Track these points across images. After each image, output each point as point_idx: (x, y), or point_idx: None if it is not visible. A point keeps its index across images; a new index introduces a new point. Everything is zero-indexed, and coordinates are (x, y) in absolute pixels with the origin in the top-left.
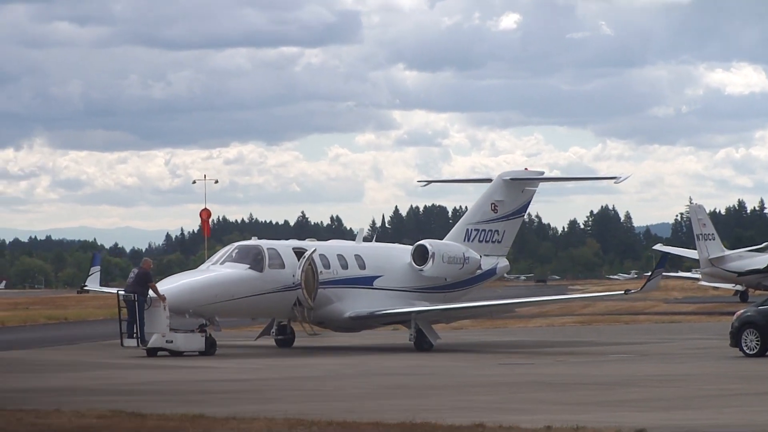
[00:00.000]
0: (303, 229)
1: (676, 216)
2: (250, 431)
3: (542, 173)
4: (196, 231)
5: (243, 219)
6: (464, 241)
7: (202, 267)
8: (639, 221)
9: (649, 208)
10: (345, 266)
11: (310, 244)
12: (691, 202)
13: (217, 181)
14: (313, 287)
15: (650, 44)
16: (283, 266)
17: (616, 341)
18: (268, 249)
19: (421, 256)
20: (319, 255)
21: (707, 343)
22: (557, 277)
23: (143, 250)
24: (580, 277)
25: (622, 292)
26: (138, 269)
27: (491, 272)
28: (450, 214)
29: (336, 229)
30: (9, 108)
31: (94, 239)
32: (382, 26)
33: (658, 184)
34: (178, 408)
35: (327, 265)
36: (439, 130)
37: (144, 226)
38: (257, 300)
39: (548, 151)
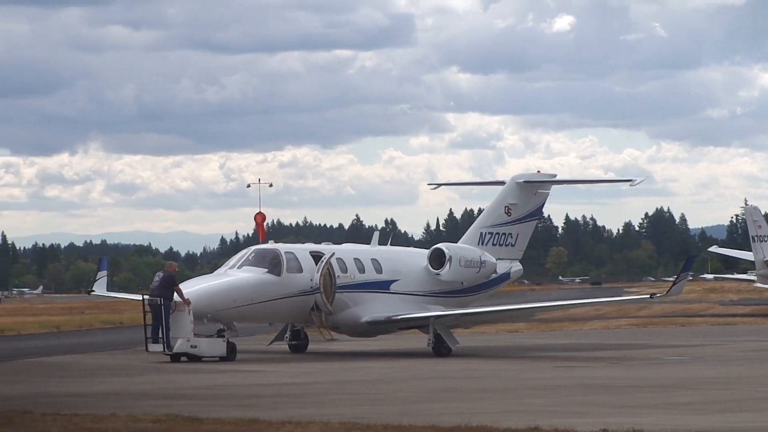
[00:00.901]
0: (358, 232)
1: (732, 218)
2: None
3: (554, 176)
4: (250, 235)
5: (297, 222)
6: (478, 244)
7: (220, 271)
8: (694, 223)
9: (704, 210)
10: (362, 270)
11: (327, 248)
12: (746, 204)
13: (271, 185)
14: (331, 292)
15: (704, 46)
16: (300, 270)
17: (672, 344)
18: (285, 253)
19: (437, 259)
20: (336, 259)
21: (763, 345)
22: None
23: (198, 254)
24: (635, 279)
25: (648, 296)
26: (163, 272)
27: (505, 276)
28: None
29: (390, 232)
30: (64, 112)
31: (149, 243)
32: (436, 29)
33: (713, 186)
34: (233, 412)
35: (344, 269)
36: (493, 133)
37: (199, 230)
38: (275, 305)
39: (602, 153)
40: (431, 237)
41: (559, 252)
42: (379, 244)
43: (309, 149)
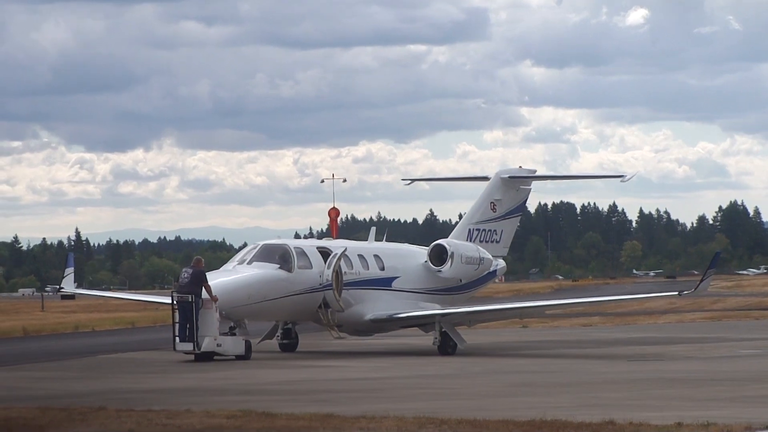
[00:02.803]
0: (432, 227)
1: None
2: (379, 430)
3: (534, 171)
4: (324, 230)
5: (371, 217)
6: (467, 241)
7: (228, 267)
8: None
9: None
10: (366, 267)
11: (332, 244)
12: None
13: (345, 180)
14: (339, 289)
15: None
16: (310, 266)
17: (747, 337)
18: (295, 248)
19: (438, 256)
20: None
21: None
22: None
23: None
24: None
25: (677, 293)
26: (192, 269)
27: (492, 274)
28: (578, 210)
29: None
30: (138, 109)
31: (223, 239)
32: (510, 23)
33: None
34: (307, 407)
35: (349, 266)
36: (567, 127)
37: (273, 226)
38: (287, 302)
39: (676, 147)
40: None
41: (633, 246)
42: (376, 239)
43: (383, 144)
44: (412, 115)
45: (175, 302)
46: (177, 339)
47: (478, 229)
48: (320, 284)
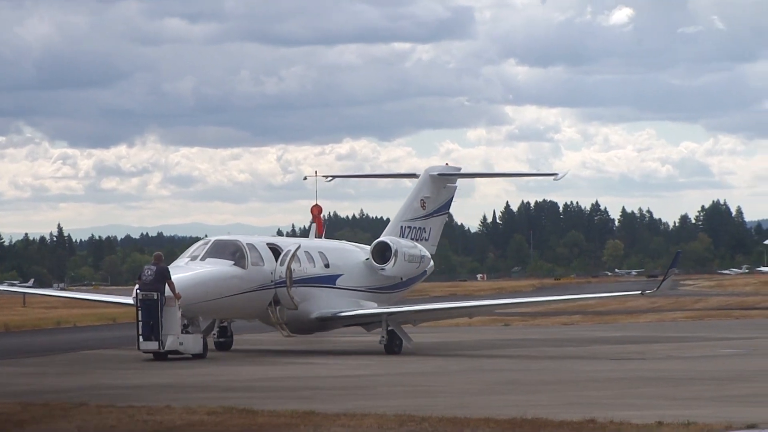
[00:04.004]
0: None
1: None
2: (360, 427)
3: (459, 169)
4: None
5: (354, 215)
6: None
7: (179, 263)
8: (750, 216)
9: (760, 203)
10: (313, 264)
11: (281, 241)
12: None
13: (330, 179)
14: (290, 286)
15: (763, 38)
16: (262, 263)
17: (728, 336)
18: (247, 244)
19: (381, 254)
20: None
21: None
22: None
23: None
24: (692, 272)
25: (639, 292)
26: (156, 266)
27: (423, 272)
28: (561, 209)
29: (447, 224)
30: (122, 105)
31: (206, 235)
32: (494, 21)
33: None
34: (288, 404)
35: (297, 263)
36: (551, 125)
37: (256, 222)
38: (241, 299)
39: (660, 146)
40: (488, 229)
41: (615, 245)
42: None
43: (367, 141)
44: (396, 113)
45: (139, 300)
46: (141, 338)
47: (409, 227)
48: (272, 281)
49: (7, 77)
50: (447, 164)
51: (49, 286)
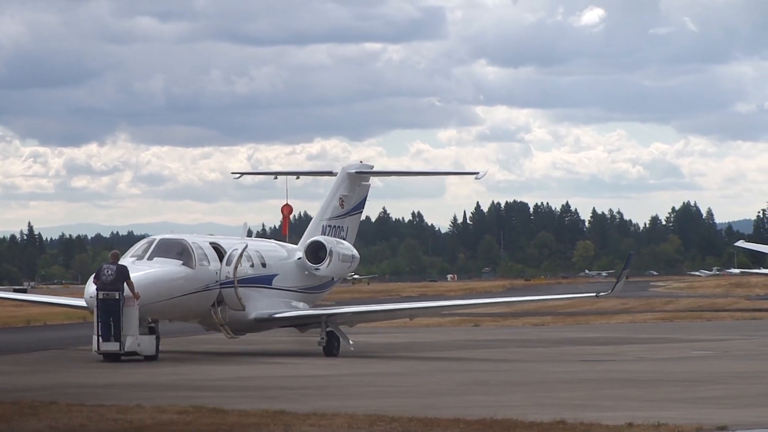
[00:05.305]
0: (385, 225)
1: (758, 212)
2: (331, 427)
3: (372, 167)
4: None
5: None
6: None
7: (124, 262)
8: (721, 218)
9: (731, 205)
10: (252, 264)
11: (222, 240)
12: None
13: (298, 177)
14: (237, 286)
15: (734, 40)
16: (207, 262)
17: (698, 338)
18: (192, 243)
19: (314, 253)
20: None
21: None
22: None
23: None
24: (662, 273)
25: (594, 294)
26: (115, 265)
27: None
28: (531, 210)
29: (417, 225)
30: (92, 103)
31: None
32: (465, 22)
33: (740, 181)
34: (258, 404)
35: (250, 262)
36: (521, 126)
37: (226, 222)
38: (188, 299)
39: (630, 147)
40: (458, 230)
41: (585, 245)
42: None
43: (337, 141)
44: (366, 113)
45: (98, 300)
46: (100, 338)
47: (330, 226)
48: (217, 281)
49: None
50: (361, 162)
51: (19, 284)
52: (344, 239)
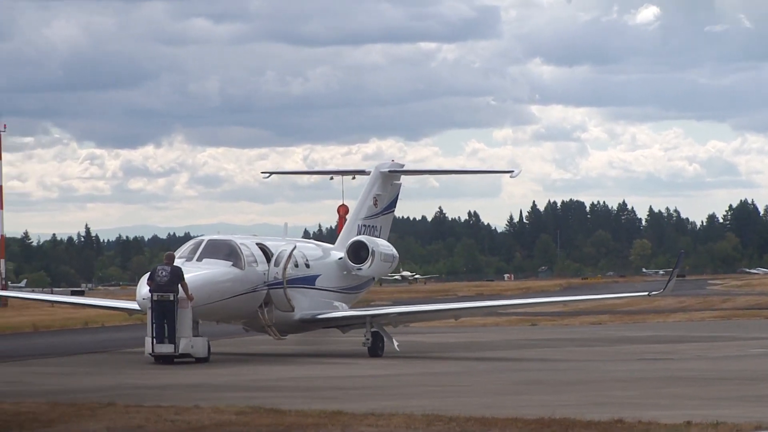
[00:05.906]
0: (441, 224)
1: None
2: (388, 427)
3: (403, 165)
4: (333, 227)
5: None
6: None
7: (176, 263)
8: None
9: None
10: (296, 264)
11: (269, 241)
12: None
13: (354, 177)
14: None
15: None
16: (256, 263)
17: (757, 336)
18: (240, 244)
19: (356, 253)
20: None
21: None
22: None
23: None
24: (719, 271)
25: (646, 293)
26: (169, 266)
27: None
28: (588, 208)
29: (473, 224)
30: (148, 105)
31: None
32: (520, 21)
33: None
34: (315, 404)
35: (295, 263)
36: (577, 125)
37: (282, 223)
38: (237, 301)
39: (687, 145)
40: (514, 229)
41: (642, 244)
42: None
43: (393, 141)
44: (422, 113)
45: (153, 301)
46: (154, 341)
47: (365, 225)
48: (265, 282)
49: (34, 78)
50: (393, 161)
51: (77, 286)
52: (378, 238)
